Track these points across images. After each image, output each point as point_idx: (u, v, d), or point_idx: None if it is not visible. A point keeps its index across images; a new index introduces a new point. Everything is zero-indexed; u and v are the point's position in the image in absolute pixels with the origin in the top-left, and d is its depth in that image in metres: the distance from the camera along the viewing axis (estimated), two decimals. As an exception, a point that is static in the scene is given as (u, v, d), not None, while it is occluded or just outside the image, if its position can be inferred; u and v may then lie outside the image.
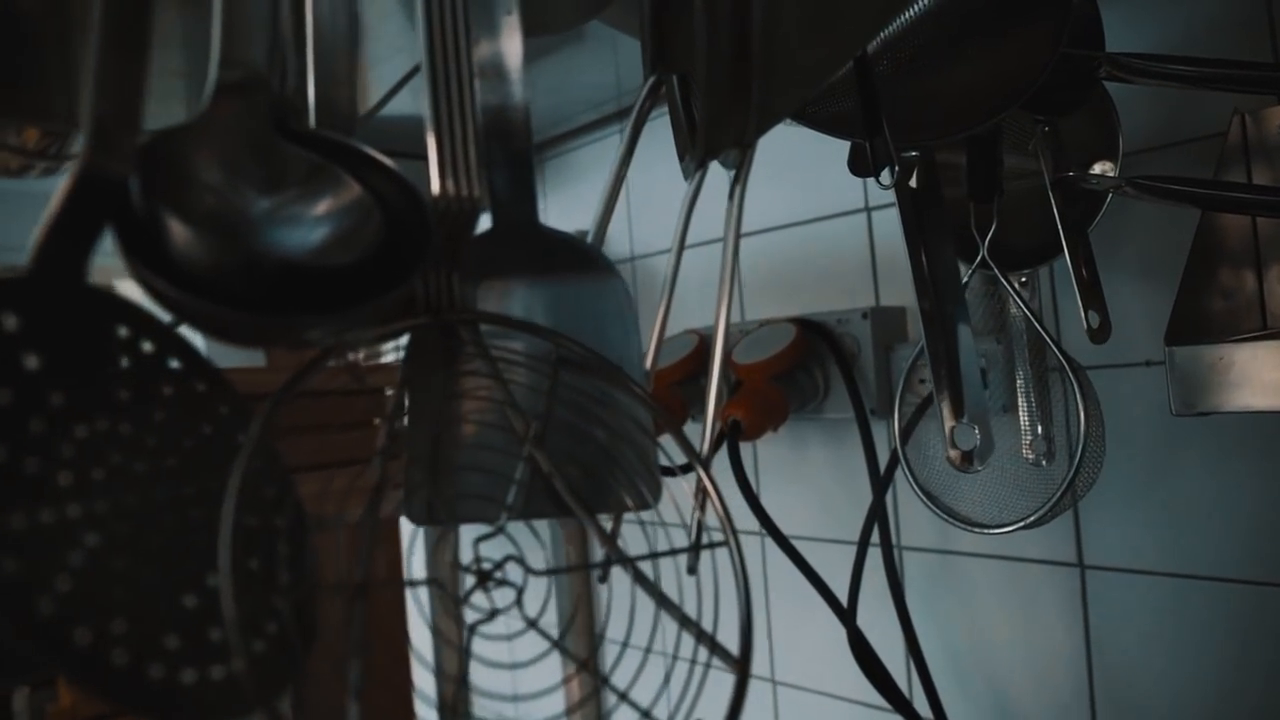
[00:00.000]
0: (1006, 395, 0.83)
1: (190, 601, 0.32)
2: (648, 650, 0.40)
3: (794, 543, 0.90)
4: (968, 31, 0.64)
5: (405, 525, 0.48)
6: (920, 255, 0.59)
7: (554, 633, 0.42)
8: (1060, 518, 0.84)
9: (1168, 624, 0.80)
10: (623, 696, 0.38)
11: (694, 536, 0.43)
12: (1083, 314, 0.71)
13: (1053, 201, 0.70)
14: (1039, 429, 0.80)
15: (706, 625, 0.41)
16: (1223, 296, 0.70)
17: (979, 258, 0.75)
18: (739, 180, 0.46)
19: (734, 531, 0.41)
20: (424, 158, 0.39)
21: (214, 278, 0.36)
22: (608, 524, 0.46)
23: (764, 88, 0.44)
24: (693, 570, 0.43)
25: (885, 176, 0.55)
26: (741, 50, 0.43)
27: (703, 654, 0.40)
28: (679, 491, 0.45)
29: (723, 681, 0.40)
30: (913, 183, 0.61)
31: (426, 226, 0.39)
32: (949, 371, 0.56)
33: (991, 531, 0.76)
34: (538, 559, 0.41)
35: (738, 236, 0.46)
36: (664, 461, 0.45)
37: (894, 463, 0.84)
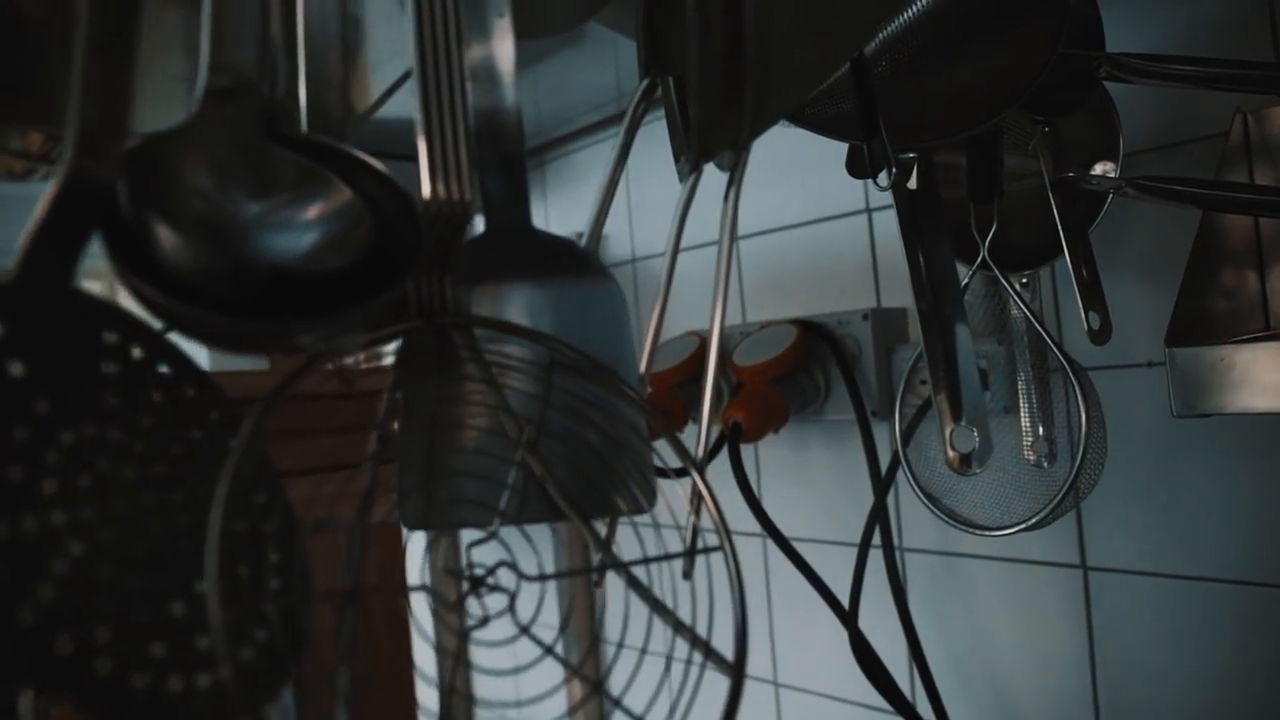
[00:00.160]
0: (1008, 396, 0.82)
1: (178, 609, 0.31)
2: (643, 651, 0.40)
3: (795, 545, 0.90)
4: (966, 32, 0.64)
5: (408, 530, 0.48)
6: (918, 257, 0.59)
7: (555, 635, 0.42)
8: (1063, 519, 0.83)
9: (1171, 625, 0.79)
10: (616, 703, 0.38)
11: (689, 541, 0.43)
12: (1083, 315, 0.71)
13: (1053, 202, 0.70)
14: (1040, 430, 0.80)
15: (702, 630, 0.40)
16: (1225, 297, 0.69)
17: (979, 259, 0.75)
18: (734, 182, 0.46)
19: (729, 536, 0.41)
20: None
21: (203, 283, 0.36)
22: (604, 529, 0.45)
23: (758, 89, 0.44)
24: (688, 575, 0.43)
25: (883, 178, 0.54)
26: (734, 51, 0.43)
27: (698, 658, 0.40)
28: (677, 495, 0.44)
29: (721, 684, 0.39)
30: (911, 184, 0.61)
31: (417, 230, 0.39)
32: (947, 373, 0.56)
33: (993, 534, 0.76)
34: (535, 563, 0.41)
35: (733, 239, 0.45)
36: (662, 464, 0.44)
37: (895, 465, 0.84)
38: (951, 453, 0.55)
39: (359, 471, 0.38)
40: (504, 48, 0.43)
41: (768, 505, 0.90)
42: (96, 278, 0.36)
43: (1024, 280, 0.80)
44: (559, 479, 0.42)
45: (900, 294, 0.97)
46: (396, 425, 0.41)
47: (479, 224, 0.46)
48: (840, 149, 0.74)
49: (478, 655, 0.39)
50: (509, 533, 0.42)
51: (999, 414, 0.83)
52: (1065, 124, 0.72)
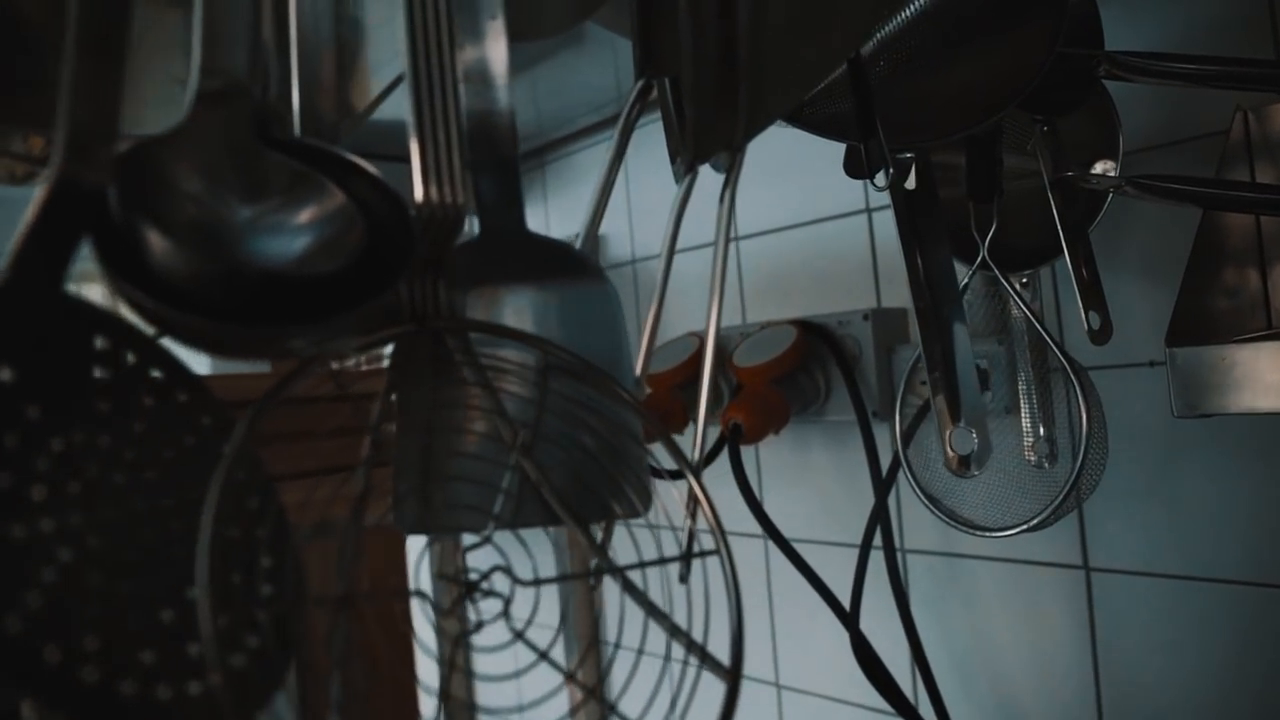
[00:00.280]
0: (1009, 397, 0.82)
1: (168, 615, 0.31)
2: (640, 652, 0.40)
3: (797, 546, 0.90)
4: (965, 32, 0.63)
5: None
6: (915, 257, 0.58)
7: (558, 641, 0.41)
8: (1065, 520, 0.83)
9: (1173, 626, 0.79)
10: (611, 709, 0.38)
11: (685, 545, 0.43)
12: (1083, 315, 0.70)
13: (1052, 202, 0.69)
14: (1041, 431, 0.80)
15: (698, 634, 0.40)
16: (1226, 296, 0.69)
17: (979, 258, 0.74)
18: (729, 184, 0.46)
19: (725, 540, 0.41)
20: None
21: (194, 288, 0.35)
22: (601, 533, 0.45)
23: (752, 90, 0.43)
24: (684, 579, 0.42)
25: (880, 179, 0.54)
26: (728, 53, 0.43)
27: (695, 661, 0.39)
28: (674, 497, 0.44)
29: (719, 685, 0.39)
30: (909, 184, 0.60)
31: (410, 233, 0.38)
32: (945, 375, 0.56)
33: (994, 535, 0.76)
34: (538, 567, 0.41)
35: (728, 241, 0.45)
36: (658, 465, 0.44)
37: (896, 466, 0.84)
38: (950, 454, 0.55)
39: (353, 475, 0.38)
40: (497, 50, 0.43)
41: (769, 506, 0.90)
42: (94, 280, 0.36)
43: (1024, 280, 0.79)
44: (554, 483, 0.42)
45: (901, 294, 0.97)
46: (391, 429, 0.41)
47: (474, 227, 0.46)
48: (839, 149, 0.74)
49: (479, 660, 0.39)
50: (508, 536, 0.42)
51: (1000, 414, 0.82)
52: (1065, 123, 0.71)
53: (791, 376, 0.94)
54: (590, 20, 0.75)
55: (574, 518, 0.42)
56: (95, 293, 0.34)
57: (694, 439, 0.46)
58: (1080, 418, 0.72)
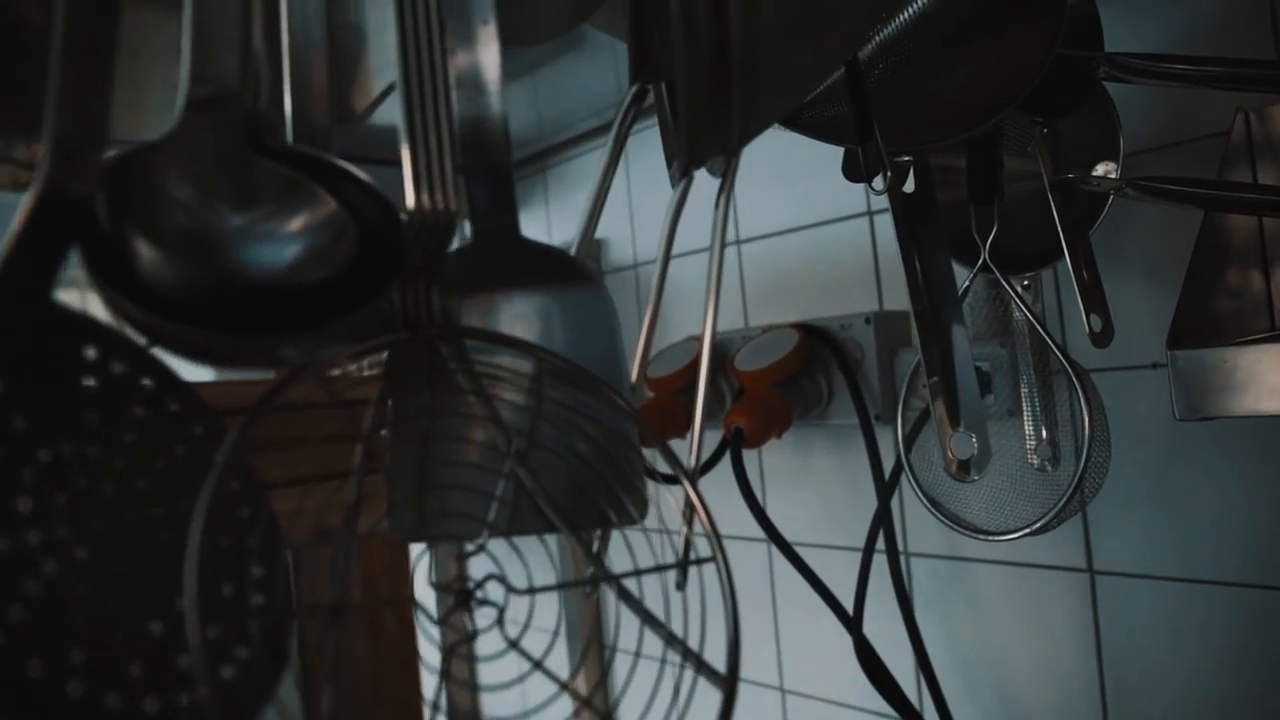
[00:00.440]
0: (1011, 400, 0.82)
1: (157, 627, 0.31)
2: (637, 655, 0.40)
3: (800, 550, 0.89)
4: (963, 34, 0.63)
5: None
6: (914, 261, 0.58)
7: (556, 648, 0.41)
8: (1069, 523, 0.82)
9: (1179, 629, 0.79)
10: (606, 717, 0.38)
11: (682, 553, 0.42)
12: (1084, 317, 0.70)
13: (1052, 204, 0.69)
14: (1044, 434, 0.79)
15: (695, 641, 0.40)
16: (1230, 297, 0.69)
17: (980, 261, 0.74)
18: (725, 188, 0.45)
19: (722, 547, 0.41)
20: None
21: (184, 297, 0.35)
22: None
23: (747, 95, 0.43)
24: (681, 587, 0.42)
25: (878, 182, 0.54)
26: (720, 56, 0.43)
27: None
28: (670, 503, 0.44)
29: (717, 694, 0.39)
30: (908, 187, 0.60)
31: (402, 240, 0.38)
32: (944, 379, 0.55)
33: (997, 538, 0.75)
34: (532, 575, 0.40)
35: (723, 245, 0.45)
36: (665, 469, 0.44)
37: (898, 469, 0.83)
38: (950, 459, 0.55)
39: (345, 483, 0.38)
40: (489, 55, 0.43)
41: (771, 510, 0.90)
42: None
43: (1025, 283, 0.79)
44: (550, 491, 0.42)
45: (903, 297, 0.96)
46: (384, 437, 0.41)
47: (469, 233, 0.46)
48: (841, 152, 0.74)
49: (475, 668, 0.38)
50: (507, 544, 0.42)
51: (1002, 417, 0.82)
52: (1065, 125, 0.71)
53: (794, 380, 0.94)
54: (589, 25, 0.75)
55: (569, 526, 0.41)
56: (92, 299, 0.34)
57: (690, 445, 0.45)
58: (1083, 420, 0.72)
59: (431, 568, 0.42)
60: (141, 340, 0.36)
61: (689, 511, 0.42)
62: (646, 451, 0.45)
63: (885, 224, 0.98)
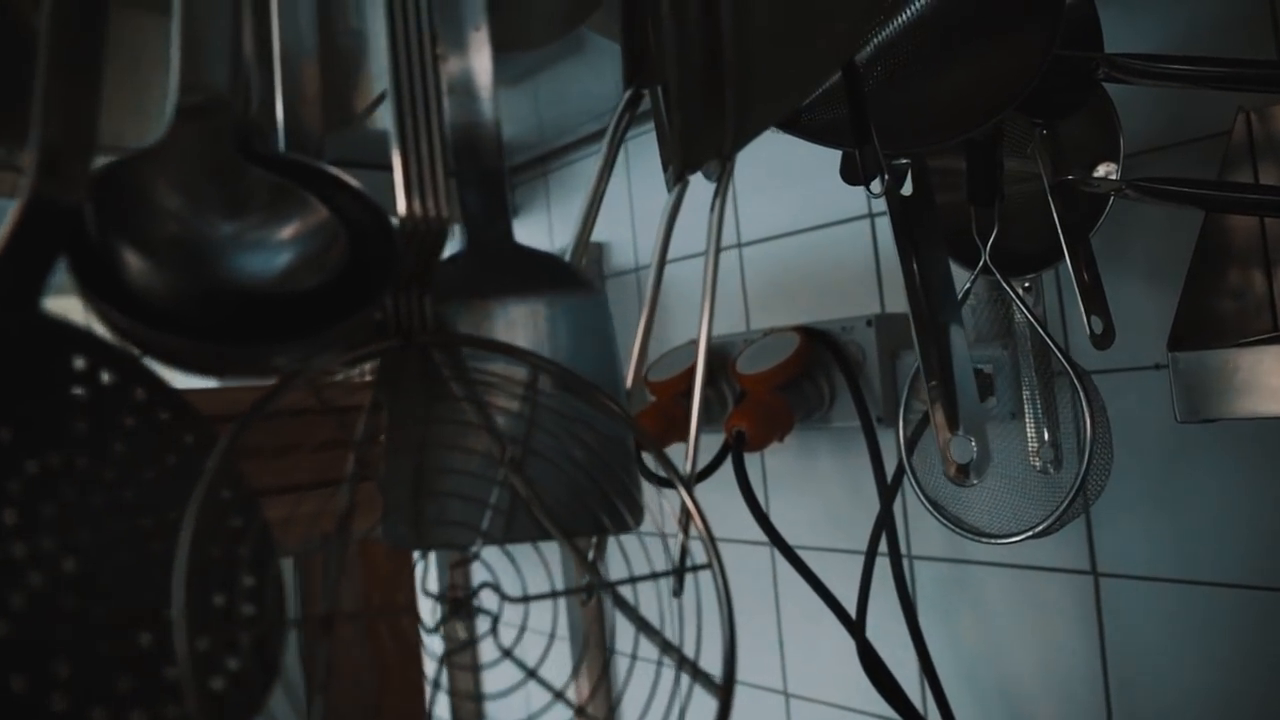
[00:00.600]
0: (1013, 402, 0.81)
1: (145, 639, 0.31)
2: (633, 657, 0.40)
3: (803, 553, 0.89)
4: (961, 35, 0.63)
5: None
6: (912, 263, 0.58)
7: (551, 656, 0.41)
8: (1073, 524, 0.82)
9: (1184, 631, 0.78)
10: (601, 726, 0.37)
11: (678, 560, 0.42)
12: (1085, 319, 0.70)
13: (1052, 205, 0.69)
14: (1046, 436, 0.79)
15: (691, 648, 0.40)
16: (1232, 298, 0.68)
17: (981, 263, 0.74)
18: (719, 193, 0.45)
19: (717, 554, 0.40)
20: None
21: (174, 306, 0.35)
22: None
23: (740, 99, 0.43)
24: (677, 594, 0.42)
25: (875, 185, 0.54)
26: (713, 60, 0.42)
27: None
28: (665, 509, 0.44)
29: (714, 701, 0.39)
30: (906, 190, 0.60)
31: (394, 248, 0.38)
32: (943, 383, 0.55)
33: (1000, 541, 0.75)
34: (526, 583, 0.40)
35: (718, 250, 0.45)
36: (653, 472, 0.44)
37: (901, 472, 0.83)
38: (949, 464, 0.55)
39: (338, 492, 0.38)
40: (481, 61, 0.42)
41: (774, 513, 0.89)
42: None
43: (1026, 284, 0.79)
44: (545, 498, 0.41)
45: (904, 299, 0.96)
46: (378, 444, 0.41)
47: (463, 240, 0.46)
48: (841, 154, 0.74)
49: (469, 676, 0.38)
50: (507, 550, 0.42)
51: (1004, 419, 0.82)
52: (1065, 126, 0.71)
53: (795, 383, 0.94)
54: (589, 29, 0.75)
55: (565, 533, 0.41)
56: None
57: (686, 451, 0.45)
58: (1085, 422, 0.71)
59: (425, 576, 0.42)
60: (133, 350, 0.35)
61: (685, 518, 0.42)
62: (646, 456, 0.45)
63: (887, 226, 0.97)
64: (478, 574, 0.40)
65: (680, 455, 0.46)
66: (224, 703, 0.31)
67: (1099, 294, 0.71)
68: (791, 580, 1.00)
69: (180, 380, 0.37)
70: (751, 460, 0.97)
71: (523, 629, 0.40)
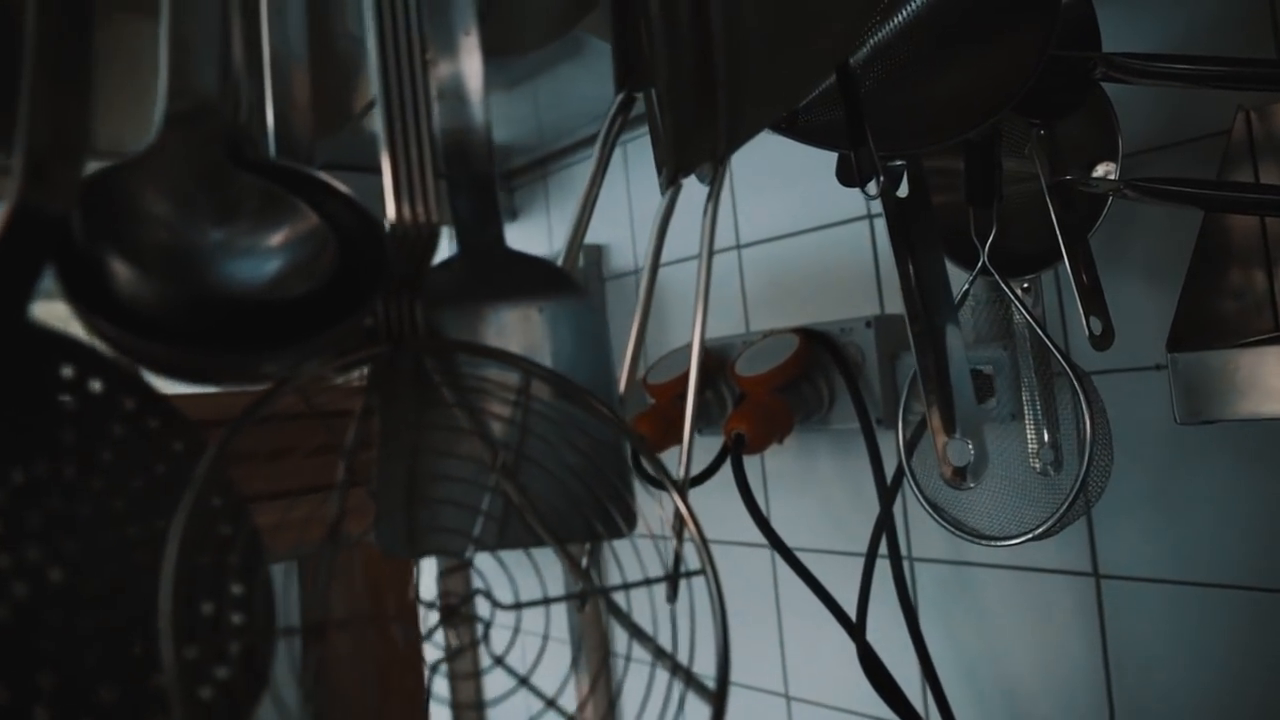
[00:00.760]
0: (1013, 403, 0.81)
1: (134, 649, 0.31)
2: (628, 657, 0.39)
3: (803, 555, 0.89)
4: (958, 36, 0.63)
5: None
6: (908, 266, 0.57)
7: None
8: (1074, 526, 0.82)
9: (1186, 633, 0.78)
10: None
11: (672, 565, 0.42)
12: (1084, 321, 0.69)
13: (1050, 206, 0.68)
14: (1046, 437, 0.79)
15: (685, 653, 0.39)
16: (1233, 297, 0.68)
17: (980, 264, 0.74)
18: (712, 196, 0.45)
19: (711, 560, 0.40)
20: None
21: (163, 313, 0.35)
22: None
23: (732, 101, 0.43)
24: (671, 600, 0.42)
25: (871, 187, 0.53)
26: (703, 62, 0.42)
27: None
28: (656, 514, 0.43)
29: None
30: (902, 192, 0.60)
31: (384, 254, 0.38)
32: (939, 386, 0.55)
33: (1000, 543, 0.75)
34: (537, 587, 0.40)
35: (710, 253, 0.44)
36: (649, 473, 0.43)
37: (901, 474, 0.83)
38: (945, 467, 0.54)
39: (328, 499, 0.38)
40: (472, 65, 0.42)
41: (775, 516, 0.89)
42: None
43: (1025, 285, 0.78)
44: (537, 504, 0.41)
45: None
46: (369, 450, 0.41)
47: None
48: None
49: (465, 683, 0.38)
50: (507, 556, 0.42)
51: (1004, 420, 0.81)
52: (1063, 126, 0.71)
53: (794, 385, 0.93)
54: (585, 31, 0.75)
55: (557, 540, 0.41)
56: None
57: (680, 456, 0.45)
58: (1084, 423, 0.71)
59: (417, 583, 0.41)
60: (122, 358, 0.35)
61: (679, 523, 0.42)
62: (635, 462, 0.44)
63: (886, 228, 0.98)
64: (476, 580, 0.40)
65: (680, 459, 0.46)
66: (212, 712, 0.31)
67: (1098, 295, 0.71)
68: (792, 583, 1.00)
69: (170, 385, 0.37)
70: (751, 462, 0.96)
71: (515, 635, 0.39)
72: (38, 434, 0.32)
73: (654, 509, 0.44)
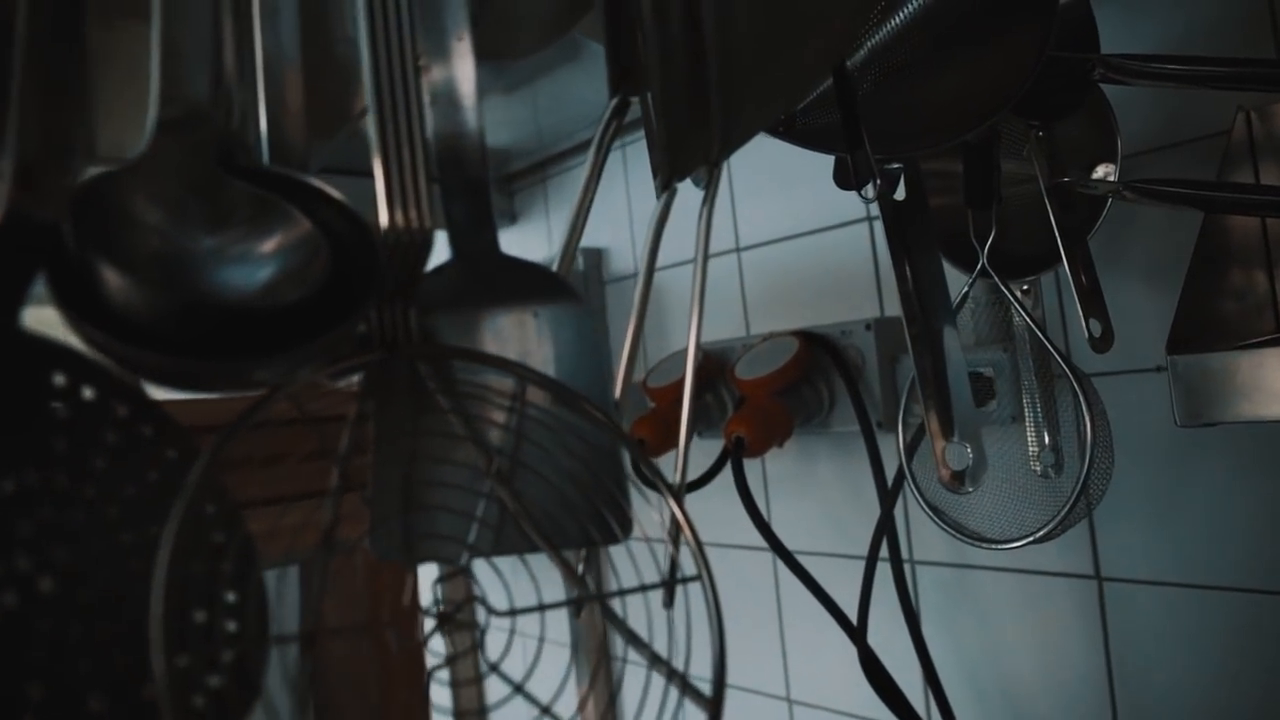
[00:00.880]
0: (1013, 405, 0.81)
1: (123, 659, 0.31)
2: (624, 660, 0.39)
3: (804, 559, 0.88)
4: (955, 38, 0.62)
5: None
6: (904, 269, 0.57)
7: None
8: (1076, 528, 0.81)
9: (1190, 636, 0.78)
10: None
11: (668, 572, 0.42)
12: (1083, 323, 0.69)
13: (1049, 208, 0.68)
14: (1046, 440, 0.78)
15: (682, 659, 0.39)
16: (1234, 298, 0.68)
17: (979, 266, 0.73)
18: (707, 200, 0.45)
19: (707, 566, 0.40)
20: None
21: (155, 321, 0.35)
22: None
23: (726, 105, 0.43)
24: (668, 606, 0.42)
25: (868, 190, 0.53)
26: (696, 66, 0.42)
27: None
28: (653, 520, 0.43)
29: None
30: (899, 195, 0.59)
31: (376, 260, 0.38)
32: (937, 389, 0.55)
33: (1001, 547, 0.74)
34: (532, 593, 0.40)
35: (705, 258, 0.44)
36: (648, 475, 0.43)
37: (901, 477, 0.83)
38: (944, 470, 0.54)
39: (322, 504, 0.37)
40: (464, 71, 0.42)
41: (775, 519, 0.89)
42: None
43: (1025, 287, 0.78)
44: (532, 510, 0.41)
45: (902, 304, 0.96)
46: (363, 456, 0.41)
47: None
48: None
49: (459, 689, 0.38)
50: (507, 562, 0.41)
51: (1005, 423, 0.81)
52: (1062, 128, 0.70)
53: (795, 388, 0.93)
54: (582, 34, 0.75)
55: (552, 546, 0.41)
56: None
57: (676, 461, 0.45)
58: (1085, 426, 0.71)
59: (413, 590, 0.41)
60: (115, 366, 0.35)
61: (674, 529, 0.42)
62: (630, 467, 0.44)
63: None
64: (473, 587, 0.40)
65: (675, 463, 0.46)
66: (203, 721, 0.31)
67: (1097, 297, 0.71)
68: (794, 586, 0.99)
69: (163, 390, 0.37)
70: (751, 466, 0.96)
71: (510, 642, 0.39)
72: (29, 442, 0.32)
73: (651, 514, 0.44)
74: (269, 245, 0.38)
